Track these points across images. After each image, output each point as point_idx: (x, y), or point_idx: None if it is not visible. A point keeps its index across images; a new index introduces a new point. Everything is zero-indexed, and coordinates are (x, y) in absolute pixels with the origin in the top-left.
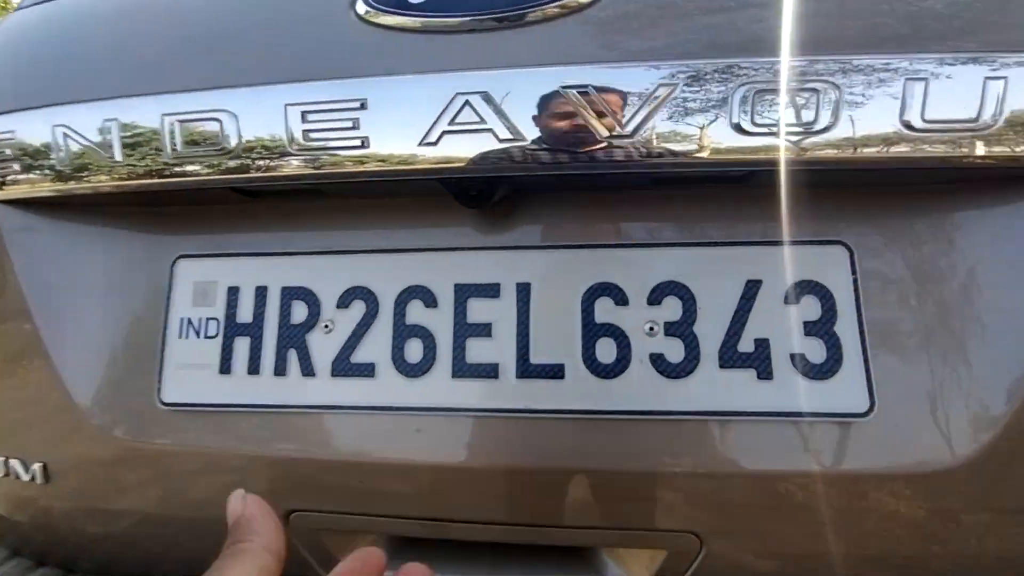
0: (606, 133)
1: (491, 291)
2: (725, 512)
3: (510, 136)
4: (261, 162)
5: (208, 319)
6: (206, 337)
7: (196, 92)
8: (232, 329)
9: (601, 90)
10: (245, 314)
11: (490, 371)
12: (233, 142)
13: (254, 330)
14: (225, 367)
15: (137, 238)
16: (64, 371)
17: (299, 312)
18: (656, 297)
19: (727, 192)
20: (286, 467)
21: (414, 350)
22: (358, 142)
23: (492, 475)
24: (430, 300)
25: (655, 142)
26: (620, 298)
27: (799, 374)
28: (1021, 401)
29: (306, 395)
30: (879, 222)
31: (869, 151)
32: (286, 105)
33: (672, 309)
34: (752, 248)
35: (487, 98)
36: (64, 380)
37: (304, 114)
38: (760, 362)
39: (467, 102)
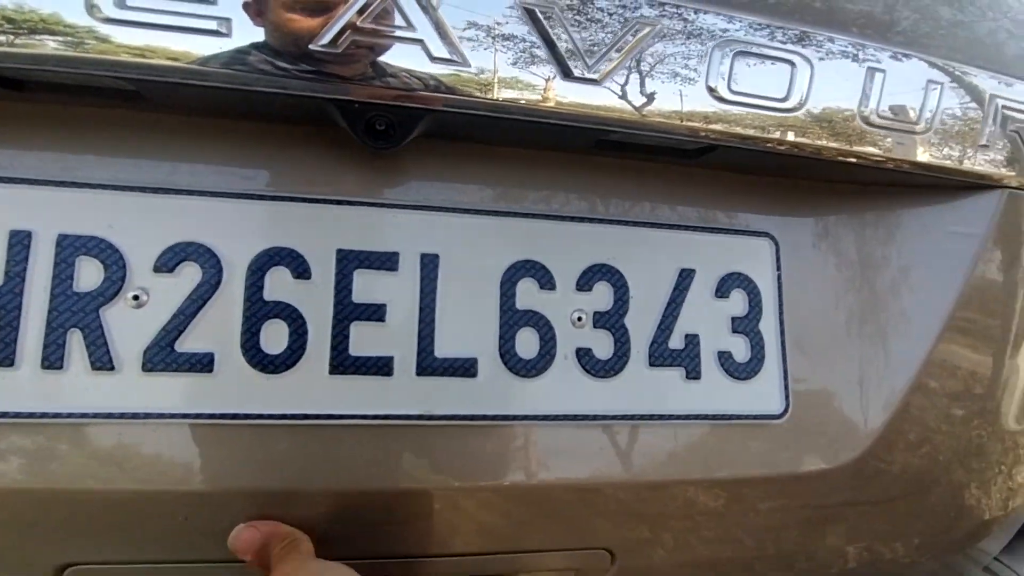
0: (572, 73)
1: (388, 261)
2: (640, 524)
3: (447, 56)
4: (27, 34)
5: None
6: None
7: None
8: None
9: (577, 18)
10: None
11: (382, 366)
12: None
13: (6, 298)
14: None
15: None
16: None
17: (90, 274)
18: (586, 282)
19: (667, 169)
20: (58, 504)
21: (275, 336)
22: (213, 25)
23: (381, 500)
24: (301, 269)
25: (621, 94)
26: (547, 281)
27: (724, 374)
28: (909, 396)
29: (98, 398)
30: (805, 218)
31: (828, 142)
32: None
33: (603, 296)
34: (687, 233)
35: None
36: None
37: None
38: (690, 360)
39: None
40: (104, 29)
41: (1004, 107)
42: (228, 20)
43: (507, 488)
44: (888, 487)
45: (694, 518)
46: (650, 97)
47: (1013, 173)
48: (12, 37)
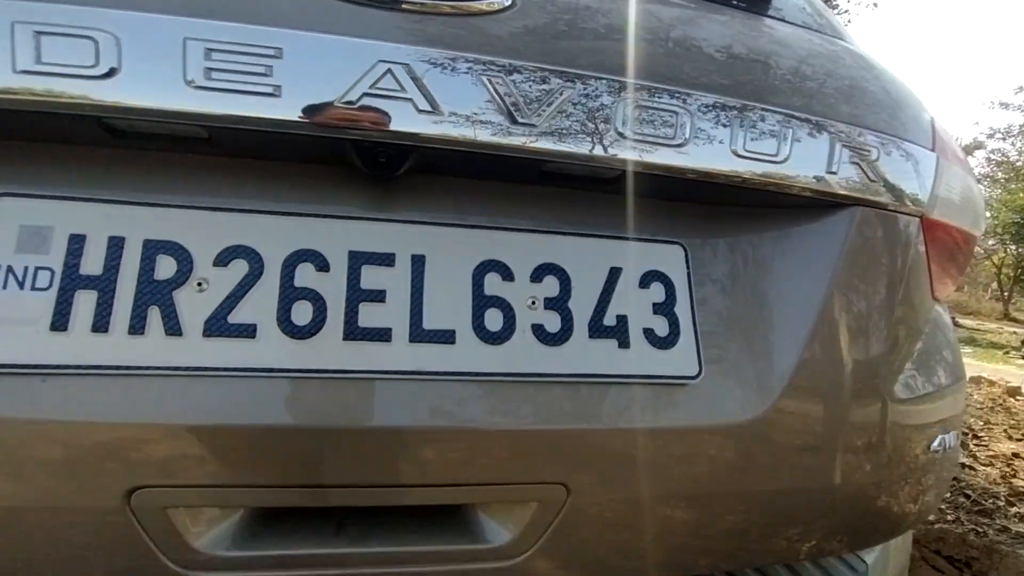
0: (515, 120)
1: (386, 260)
2: (587, 463)
3: (429, 109)
4: (142, 95)
5: (38, 269)
6: (34, 289)
7: (67, 5)
8: (73, 281)
9: (516, 85)
10: (93, 266)
11: (383, 335)
12: (109, 67)
13: (104, 284)
14: (60, 323)
15: None
16: None
17: (165, 267)
18: (538, 276)
19: (599, 194)
20: (132, 437)
21: (302, 312)
22: (269, 90)
23: (380, 437)
24: (322, 264)
25: (548, 139)
26: (507, 274)
27: (649, 344)
28: (798, 369)
29: (170, 356)
30: (706, 231)
31: (710, 168)
32: (186, 39)
33: (552, 287)
34: (615, 241)
35: (410, 70)
36: None
37: (209, 51)
38: (620, 334)
39: (389, 70)
40: (197, 95)
41: (844, 144)
42: (279, 86)
43: (480, 431)
44: (785, 443)
45: (629, 460)
46: (569, 138)
47: (855, 194)
48: (135, 97)
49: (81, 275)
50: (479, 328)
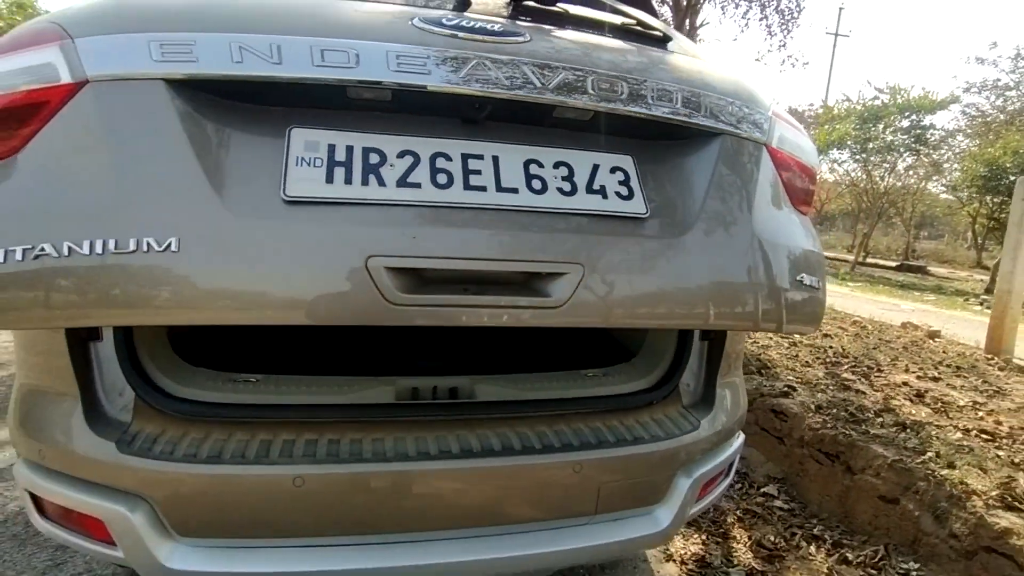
0: (536, 85)
1: (480, 157)
2: (590, 252)
3: (496, 80)
4: (368, 74)
5: (315, 157)
6: (314, 166)
7: (336, 39)
8: (332, 162)
9: (536, 70)
10: (340, 156)
11: (482, 188)
12: (353, 63)
13: (347, 164)
14: (329, 179)
15: (262, 117)
16: (212, 181)
17: (374, 158)
18: (556, 166)
19: (585, 132)
20: (369, 230)
21: (442, 178)
22: (425, 70)
23: (483, 235)
24: (449, 158)
25: (554, 95)
26: (540, 165)
27: (618, 198)
28: (698, 217)
29: (381, 195)
30: (645, 149)
31: (647, 113)
32: (387, 52)
33: (564, 171)
34: (595, 152)
35: (486, 63)
36: (211, 185)
37: (398, 56)
38: (602, 192)
39: (478, 62)
40: (393, 74)
41: (715, 103)
42: (429, 71)
43: (532, 232)
44: (695, 254)
45: (614, 252)
46: (564, 94)
47: (722, 128)
48: (365, 75)
49: (335, 160)
50: (529, 187)
